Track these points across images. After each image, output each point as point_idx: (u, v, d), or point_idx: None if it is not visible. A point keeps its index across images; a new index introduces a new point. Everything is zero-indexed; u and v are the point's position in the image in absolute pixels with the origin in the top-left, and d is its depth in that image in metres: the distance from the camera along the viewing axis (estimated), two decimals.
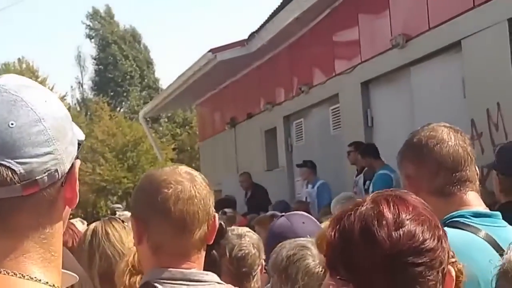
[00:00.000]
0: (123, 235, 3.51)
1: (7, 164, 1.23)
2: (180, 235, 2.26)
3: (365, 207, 1.53)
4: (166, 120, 48.73)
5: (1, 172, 1.24)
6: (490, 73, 8.07)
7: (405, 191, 1.64)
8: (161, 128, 47.97)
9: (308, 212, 8.30)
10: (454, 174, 2.62)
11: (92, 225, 3.57)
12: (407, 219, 1.51)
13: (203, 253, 2.33)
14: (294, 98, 13.72)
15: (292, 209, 10.27)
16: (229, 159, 17.51)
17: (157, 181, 2.29)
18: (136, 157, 40.23)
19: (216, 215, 2.35)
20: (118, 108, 52.68)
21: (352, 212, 1.54)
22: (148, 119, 38.53)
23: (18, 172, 1.24)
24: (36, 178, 1.25)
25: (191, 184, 2.29)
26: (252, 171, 15.47)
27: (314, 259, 2.92)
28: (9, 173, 1.24)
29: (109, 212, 19.43)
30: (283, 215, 3.60)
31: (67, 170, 1.31)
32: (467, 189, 2.63)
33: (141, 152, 40.09)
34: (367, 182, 9.71)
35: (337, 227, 1.55)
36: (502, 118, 7.88)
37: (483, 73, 8.19)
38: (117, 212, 12.91)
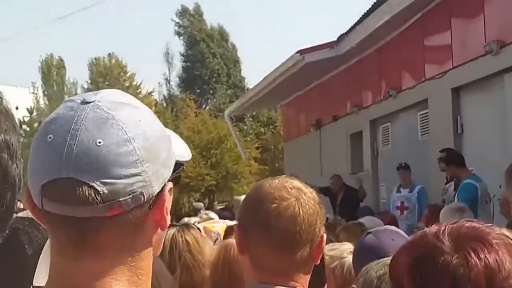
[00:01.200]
0: (202, 245, 3.46)
1: (91, 184, 1.20)
2: (279, 253, 2.18)
3: (450, 258, 1.39)
4: (251, 119, 48.90)
5: (84, 191, 1.20)
6: None
7: (485, 224, 1.49)
8: (245, 127, 48.16)
9: (394, 223, 8.19)
10: None
11: (170, 233, 3.49)
12: (501, 276, 1.37)
13: (308, 275, 2.23)
14: (381, 102, 13.56)
15: (375, 216, 10.19)
16: (314, 161, 17.44)
17: (263, 193, 2.21)
18: (219, 154, 40.47)
19: (324, 235, 2.26)
20: (204, 106, 53.15)
21: (433, 261, 1.40)
22: (233, 117, 38.76)
23: (101, 192, 1.20)
24: (120, 199, 1.21)
25: (296, 201, 2.19)
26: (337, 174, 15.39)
27: None
28: (92, 192, 1.20)
29: (191, 210, 19.52)
30: (370, 232, 3.51)
31: (155, 193, 1.27)
32: None
33: (225, 150, 40.32)
34: (453, 193, 9.49)
35: (416, 277, 1.41)
36: None
37: None
38: (200, 212, 12.98)
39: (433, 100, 11.55)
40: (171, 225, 3.75)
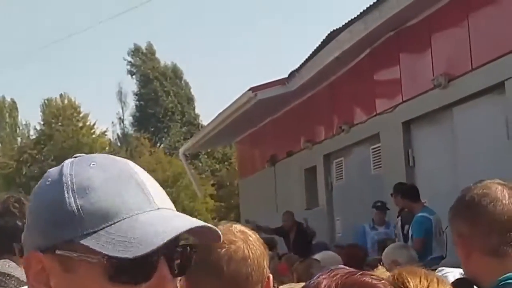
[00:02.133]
0: None
1: None
2: None
3: None
4: (206, 156, 48.87)
5: None
6: None
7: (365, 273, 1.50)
8: (200, 164, 48.10)
9: (355, 255, 8.18)
10: (508, 234, 2.54)
11: None
12: None
13: None
14: (334, 137, 13.67)
15: (339, 250, 10.19)
16: (269, 197, 17.45)
17: None
18: (175, 192, 40.35)
19: (271, 276, 2.29)
20: (159, 144, 53.03)
21: None
22: (188, 155, 38.65)
23: None
24: None
25: (245, 244, 2.22)
26: (292, 210, 15.41)
27: None
28: None
29: None
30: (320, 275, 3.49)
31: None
32: None
33: (181, 187, 40.23)
34: (406, 227, 9.56)
35: None
36: None
37: None
38: None
39: (384, 134, 11.68)
40: None
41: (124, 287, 1.14)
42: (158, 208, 1.19)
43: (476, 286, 2.61)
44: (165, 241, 1.12)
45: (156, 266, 1.16)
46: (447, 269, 3.37)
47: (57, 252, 1.16)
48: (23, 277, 2.80)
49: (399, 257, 6.24)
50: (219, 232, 1.26)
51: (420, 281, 1.83)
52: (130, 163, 1.26)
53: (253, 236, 2.26)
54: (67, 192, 1.18)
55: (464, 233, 2.62)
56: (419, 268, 1.98)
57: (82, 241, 1.14)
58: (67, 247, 1.16)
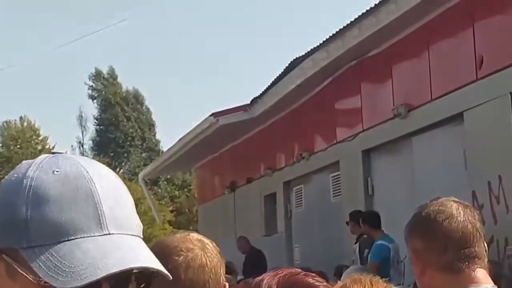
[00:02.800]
0: None
1: None
2: None
3: None
4: (165, 182, 48.68)
5: None
6: (491, 146, 8.09)
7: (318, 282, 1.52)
8: (160, 190, 47.89)
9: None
10: (462, 250, 2.59)
11: None
12: None
13: None
14: (294, 164, 13.72)
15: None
16: (228, 223, 17.42)
17: (167, 248, 2.25)
18: None
19: (227, 284, 2.31)
20: (118, 169, 52.68)
21: None
22: (147, 180, 38.45)
23: None
24: None
25: (202, 252, 2.25)
26: (251, 236, 15.39)
27: None
28: None
29: None
30: None
31: None
32: (476, 266, 2.59)
33: (139, 213, 39.39)
34: (366, 251, 9.60)
35: None
36: (503, 191, 7.88)
37: (484, 146, 8.22)
38: None
39: (344, 162, 11.77)
40: None
41: None
42: (110, 234, 1.13)
43: None
44: (97, 277, 1.06)
45: None
46: None
47: (3, 256, 1.13)
48: None
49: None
50: (169, 276, 1.21)
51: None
52: (98, 177, 1.17)
53: (210, 244, 2.29)
54: (22, 197, 1.13)
55: (419, 249, 2.66)
56: (365, 276, 2.01)
57: (23, 254, 1.10)
58: (11, 253, 1.12)
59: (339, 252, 11.40)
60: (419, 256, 2.66)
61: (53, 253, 1.09)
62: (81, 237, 1.10)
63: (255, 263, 12.79)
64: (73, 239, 1.10)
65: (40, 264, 1.08)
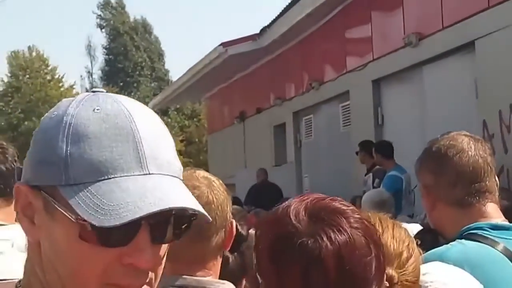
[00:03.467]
0: None
1: None
2: (197, 242, 2.20)
3: (306, 241, 1.48)
4: (175, 112, 48.73)
5: None
6: (503, 75, 8.01)
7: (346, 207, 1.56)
8: (169, 120, 47.97)
9: None
10: (473, 185, 2.58)
11: None
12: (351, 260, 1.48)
13: (219, 261, 2.27)
14: (304, 94, 13.68)
15: None
16: (238, 153, 17.48)
17: None
18: None
19: (234, 221, 2.31)
20: None
21: (291, 242, 1.49)
22: (157, 110, 38.47)
23: None
24: None
25: (208, 189, 2.24)
26: (261, 166, 15.46)
27: None
28: None
29: None
30: None
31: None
32: (487, 201, 2.58)
33: None
34: (377, 180, 9.60)
35: (274, 257, 1.51)
36: None
37: (496, 75, 8.14)
38: None
39: (354, 92, 11.71)
40: None
41: (94, 247, 1.09)
42: (150, 174, 1.11)
43: (441, 235, 2.64)
44: (137, 216, 1.05)
45: (133, 234, 1.09)
46: (405, 224, 3.41)
47: (42, 192, 1.13)
48: None
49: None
50: (209, 218, 1.18)
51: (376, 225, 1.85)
52: (139, 117, 1.14)
53: (216, 181, 2.29)
54: (62, 134, 1.12)
55: (430, 184, 2.65)
56: (373, 214, 2.01)
57: (62, 191, 1.09)
58: (50, 191, 1.11)
59: (348, 181, 11.44)
60: (430, 190, 2.65)
61: (93, 191, 1.08)
62: (121, 176, 1.09)
63: (266, 194, 12.82)
64: (113, 177, 1.09)
65: (79, 201, 1.07)
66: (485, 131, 8.22)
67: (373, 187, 9.65)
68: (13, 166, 2.75)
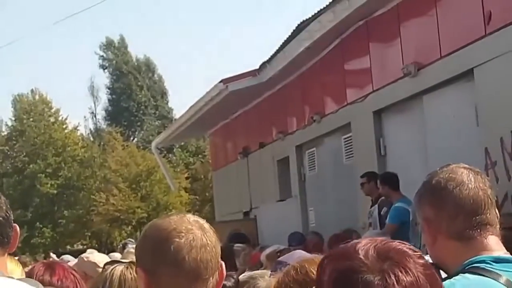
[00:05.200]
0: None
1: None
2: (193, 285, 2.21)
3: (372, 277, 1.48)
4: (180, 149, 48.78)
5: None
6: (503, 101, 8.01)
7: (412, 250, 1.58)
8: (174, 157, 48.01)
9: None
10: (474, 218, 2.56)
11: (119, 269, 3.34)
12: None
13: None
14: (306, 127, 13.69)
15: (307, 240, 10.21)
16: (242, 189, 17.45)
17: (166, 230, 2.24)
18: (149, 186, 40.26)
19: (223, 263, 2.32)
20: (132, 138, 52.84)
21: (356, 277, 1.49)
22: (161, 148, 38.57)
23: None
24: None
25: (201, 232, 2.26)
26: (265, 201, 15.45)
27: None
28: None
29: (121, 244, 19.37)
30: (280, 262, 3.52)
31: None
32: (488, 233, 2.56)
33: (154, 181, 40.12)
34: (384, 209, 9.52)
35: None
36: None
37: (496, 101, 8.14)
38: (127, 246, 12.86)
39: (355, 123, 11.71)
40: (118, 261, 3.68)
41: None
42: None
43: (442, 270, 2.62)
44: None
45: None
46: None
47: None
48: None
49: None
50: None
51: None
52: None
53: (206, 224, 2.30)
54: None
55: (431, 217, 2.63)
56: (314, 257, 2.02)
57: None
58: None
59: (353, 213, 11.40)
60: (431, 224, 2.63)
61: None
62: None
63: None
64: None
65: None
66: (488, 159, 8.20)
67: (380, 216, 9.60)
68: (8, 214, 2.72)
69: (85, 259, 5.55)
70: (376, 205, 9.86)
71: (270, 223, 14.61)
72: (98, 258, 5.61)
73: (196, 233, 2.24)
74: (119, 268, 3.32)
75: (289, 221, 13.62)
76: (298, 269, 1.83)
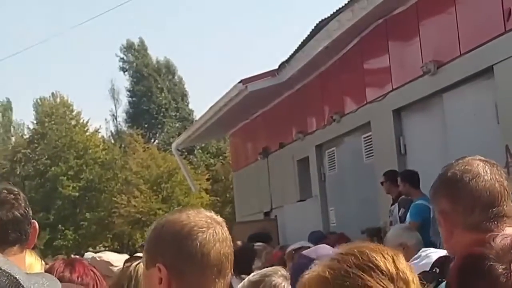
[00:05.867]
0: None
1: None
2: (217, 279, 2.21)
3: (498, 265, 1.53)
4: (200, 150, 48.84)
5: None
6: None
7: None
8: (195, 159, 48.07)
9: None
10: (490, 210, 2.54)
11: (132, 267, 3.35)
12: None
13: None
14: (325, 127, 13.66)
15: (327, 238, 10.18)
16: (263, 189, 17.44)
17: (188, 225, 2.23)
18: (170, 188, 40.36)
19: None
20: (153, 140, 52.96)
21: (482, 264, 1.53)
22: (183, 150, 38.61)
23: None
24: None
25: (220, 226, 2.26)
26: (286, 201, 15.42)
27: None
28: None
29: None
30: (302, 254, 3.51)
31: None
32: (505, 225, 2.55)
33: (175, 183, 40.22)
34: (402, 210, 9.49)
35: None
36: None
37: None
38: None
39: (375, 122, 11.68)
40: (139, 257, 3.69)
41: None
42: None
43: None
44: None
45: None
46: (431, 249, 3.38)
47: None
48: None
49: (408, 239, 5.90)
50: None
51: (384, 257, 1.81)
52: None
53: (220, 218, 2.31)
54: None
55: (447, 210, 2.62)
56: (367, 244, 1.99)
57: None
58: None
59: (374, 212, 11.36)
60: (447, 217, 2.62)
61: None
62: None
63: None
64: None
65: None
66: (508, 156, 8.15)
67: (399, 217, 9.55)
68: (26, 211, 2.74)
69: (98, 259, 5.55)
70: (396, 204, 9.83)
71: (290, 224, 14.61)
72: (111, 257, 5.61)
73: (217, 227, 2.24)
74: (133, 266, 3.32)
75: (309, 221, 13.60)
76: (358, 255, 1.79)
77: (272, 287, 3.17)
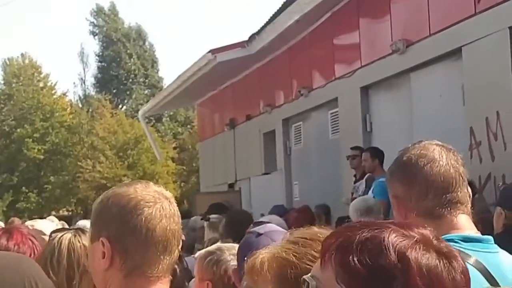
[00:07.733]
0: None
1: None
2: (162, 255, 2.16)
3: None
4: (168, 119, 48.63)
5: None
6: (490, 81, 7.96)
7: None
8: (163, 127, 47.87)
9: (303, 220, 8.14)
10: (444, 196, 2.51)
11: (66, 238, 3.18)
12: None
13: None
14: (293, 101, 13.62)
15: (288, 213, 10.15)
16: (228, 161, 17.40)
17: (134, 199, 2.17)
18: (136, 155, 40.17)
19: (183, 235, 2.30)
20: (121, 106, 52.59)
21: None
22: (150, 117, 38.39)
23: None
24: None
25: (168, 202, 2.21)
26: (250, 174, 15.40)
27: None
28: None
29: None
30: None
31: None
32: (458, 212, 2.51)
33: (142, 150, 40.03)
34: (365, 189, 9.48)
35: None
36: (501, 127, 7.77)
37: (483, 81, 8.09)
38: None
39: (343, 99, 11.65)
40: (65, 229, 3.57)
41: None
42: None
43: None
44: None
45: None
46: None
47: None
48: None
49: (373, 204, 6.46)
50: None
51: None
52: None
53: (169, 194, 2.25)
54: None
55: (400, 194, 2.58)
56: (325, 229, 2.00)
57: None
58: None
59: (337, 188, 11.38)
60: (400, 201, 2.58)
61: None
62: None
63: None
64: None
65: None
66: (472, 138, 8.16)
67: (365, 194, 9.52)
68: None
69: (30, 227, 5.43)
70: (363, 181, 9.78)
71: (254, 196, 14.60)
72: (43, 225, 5.47)
73: (165, 202, 2.19)
74: (67, 236, 3.15)
75: (273, 195, 13.60)
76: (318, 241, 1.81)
77: (218, 262, 3.16)
